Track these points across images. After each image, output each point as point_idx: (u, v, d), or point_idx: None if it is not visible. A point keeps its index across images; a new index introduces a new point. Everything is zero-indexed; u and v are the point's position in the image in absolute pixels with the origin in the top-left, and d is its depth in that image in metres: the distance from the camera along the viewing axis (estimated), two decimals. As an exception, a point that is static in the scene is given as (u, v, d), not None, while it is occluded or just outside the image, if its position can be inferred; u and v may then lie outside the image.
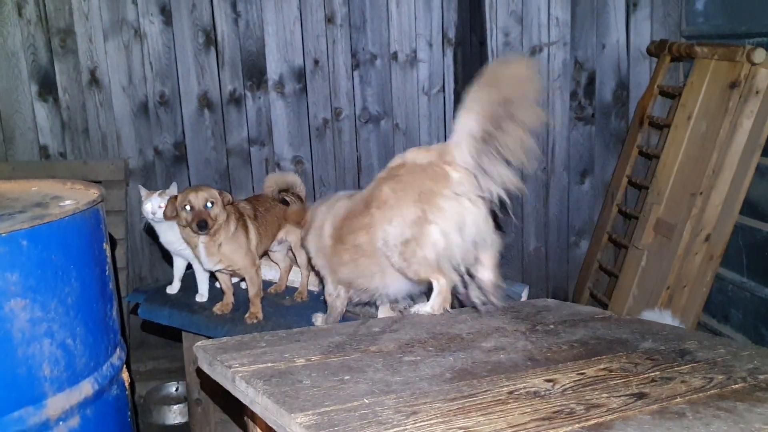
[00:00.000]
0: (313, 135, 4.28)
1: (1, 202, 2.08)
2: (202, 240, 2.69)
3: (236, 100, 4.16)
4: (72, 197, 2.07)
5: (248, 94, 4.17)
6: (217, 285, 3.01)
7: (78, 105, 4.02)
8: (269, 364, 1.67)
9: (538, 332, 1.95)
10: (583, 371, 1.62)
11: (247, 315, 2.81)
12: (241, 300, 2.95)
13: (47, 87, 3.98)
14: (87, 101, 4.03)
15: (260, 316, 2.82)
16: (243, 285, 3.11)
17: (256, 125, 4.21)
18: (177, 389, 4.09)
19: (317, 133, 4.28)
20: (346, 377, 1.57)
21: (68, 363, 1.91)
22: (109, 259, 2.06)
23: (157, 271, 4.25)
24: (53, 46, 3.94)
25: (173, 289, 3.08)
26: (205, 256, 2.75)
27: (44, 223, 1.77)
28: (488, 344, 1.82)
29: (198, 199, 2.63)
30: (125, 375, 2.22)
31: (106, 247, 2.06)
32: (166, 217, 2.68)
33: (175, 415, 3.87)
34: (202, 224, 2.59)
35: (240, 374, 1.61)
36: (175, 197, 2.69)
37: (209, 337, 2.89)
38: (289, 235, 3.03)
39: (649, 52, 4.37)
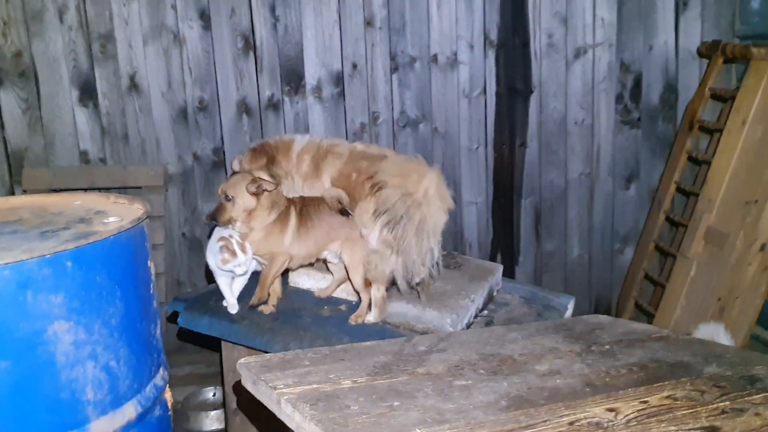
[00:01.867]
0: (350, 139, 4.22)
1: (44, 217, 2.05)
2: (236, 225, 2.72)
3: (274, 106, 4.12)
4: (116, 213, 2.05)
5: (286, 99, 4.13)
6: None
7: (117, 110, 4.02)
8: (315, 386, 1.61)
9: (594, 353, 1.86)
10: (645, 399, 1.53)
11: (252, 298, 2.81)
12: (280, 307, 2.90)
13: (87, 92, 3.98)
14: (126, 107, 4.02)
15: (264, 298, 2.80)
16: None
17: (294, 130, 4.16)
18: (214, 394, 4.06)
19: (354, 138, 4.22)
20: (396, 403, 1.50)
21: (111, 386, 1.87)
22: (153, 277, 2.03)
23: (195, 276, 4.24)
24: (93, 51, 3.94)
25: (233, 308, 2.93)
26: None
27: (89, 243, 1.74)
28: (542, 367, 1.74)
29: (222, 188, 2.70)
30: (168, 395, 2.19)
31: (151, 264, 2.04)
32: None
33: (212, 421, 3.84)
34: (211, 215, 2.69)
35: (285, 396, 1.55)
36: None
37: (248, 347, 2.86)
38: (344, 251, 2.86)
39: (700, 54, 4.22)
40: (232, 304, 2.92)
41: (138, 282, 1.94)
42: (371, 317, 2.83)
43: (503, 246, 4.44)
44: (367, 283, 2.80)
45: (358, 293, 2.89)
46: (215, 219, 2.69)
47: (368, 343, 1.92)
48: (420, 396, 1.55)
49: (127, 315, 1.88)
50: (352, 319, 2.83)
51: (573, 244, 4.50)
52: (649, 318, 4.14)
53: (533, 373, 1.70)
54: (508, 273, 4.41)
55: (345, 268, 2.90)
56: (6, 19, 3.83)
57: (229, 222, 2.70)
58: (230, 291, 2.91)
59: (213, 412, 3.81)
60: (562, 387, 1.61)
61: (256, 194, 2.67)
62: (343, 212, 2.86)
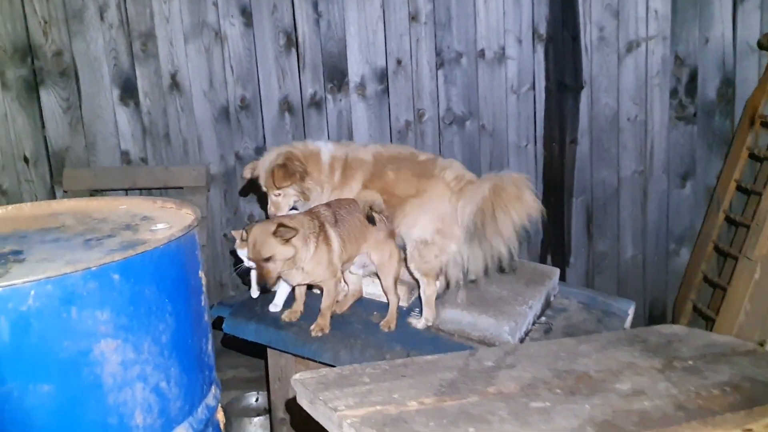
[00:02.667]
0: (394, 138, 4.11)
1: (88, 223, 1.95)
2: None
3: (317, 104, 4.02)
4: (164, 219, 1.94)
5: (329, 96, 4.02)
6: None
7: (159, 110, 3.96)
8: (378, 407, 1.50)
9: (677, 370, 1.72)
10: (748, 427, 1.39)
11: (312, 326, 2.67)
12: (310, 308, 2.80)
13: (129, 92, 3.93)
14: (168, 106, 3.96)
15: (327, 329, 2.67)
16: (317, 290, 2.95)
17: (337, 129, 4.06)
18: (257, 399, 3.98)
19: (399, 136, 4.10)
20: (470, 429, 1.39)
21: (162, 408, 1.73)
22: (204, 288, 1.90)
23: (237, 278, 4.16)
24: (134, 50, 3.88)
25: (276, 307, 2.90)
26: (289, 279, 2.65)
27: (137, 254, 1.60)
28: (624, 386, 1.60)
29: (256, 254, 2.45)
30: (220, 415, 2.05)
31: (202, 275, 1.91)
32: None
33: (255, 427, 3.75)
34: (262, 285, 2.49)
35: (348, 420, 1.44)
36: (245, 230, 2.55)
37: (296, 355, 2.76)
38: (373, 253, 2.77)
39: (760, 46, 4.01)
40: (276, 303, 2.87)
41: (189, 294, 1.81)
42: (422, 322, 2.77)
43: (553, 247, 4.29)
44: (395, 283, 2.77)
45: (386, 294, 2.81)
46: (267, 286, 2.51)
47: (429, 357, 1.80)
48: (495, 420, 1.43)
49: (178, 331, 1.74)
50: (384, 325, 2.74)
51: (626, 245, 4.32)
52: (709, 322, 3.96)
53: (614, 392, 1.57)
54: (560, 275, 4.25)
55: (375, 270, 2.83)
56: (47, 18, 3.79)
57: (276, 279, 2.54)
58: (283, 291, 2.87)
59: (256, 419, 3.73)
60: (651, 410, 1.48)
61: (288, 240, 2.46)
62: (370, 219, 2.75)
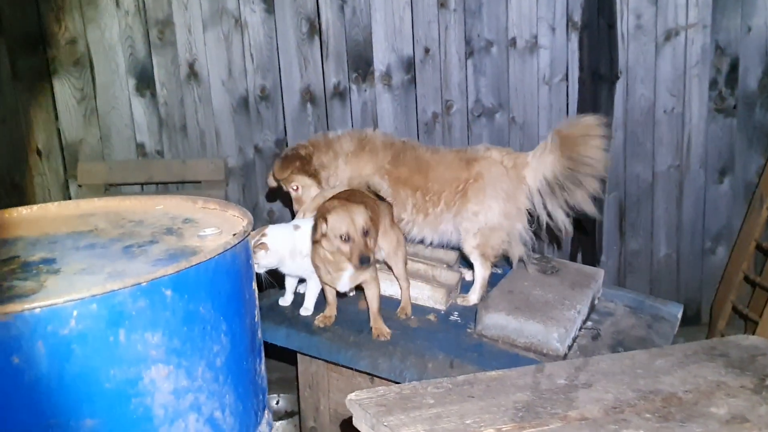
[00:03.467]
0: (421, 130, 3.94)
1: (123, 226, 1.76)
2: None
3: (340, 94, 3.85)
4: (209, 222, 1.74)
5: (353, 86, 3.85)
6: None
7: (176, 100, 3.79)
8: (450, 435, 1.34)
9: (772, 390, 1.55)
10: None
11: (373, 332, 2.51)
12: (363, 317, 2.63)
13: (145, 81, 3.76)
14: (185, 96, 3.79)
15: (386, 332, 2.50)
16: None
17: (361, 120, 3.89)
18: (278, 402, 3.82)
19: (426, 129, 3.93)
20: (560, 462, 1.23)
21: None
22: (257, 302, 1.69)
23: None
24: (151, 38, 3.70)
25: (286, 301, 2.80)
26: (347, 282, 2.45)
27: (192, 266, 1.39)
28: (720, 410, 1.44)
29: (357, 227, 2.27)
30: None
31: (256, 287, 1.70)
32: (314, 241, 2.37)
33: (277, 432, 3.60)
34: (364, 260, 2.26)
35: (421, 450, 1.28)
36: (323, 218, 2.31)
37: (329, 362, 2.60)
38: (382, 241, 2.59)
39: (807, 34, 3.84)
40: (307, 307, 2.72)
41: (244, 310, 1.60)
42: (473, 297, 2.79)
43: (584, 245, 4.12)
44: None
45: (398, 281, 2.70)
46: (368, 262, 2.30)
47: (493, 373, 1.64)
48: (586, 451, 1.27)
49: (234, 352, 1.53)
50: (400, 312, 2.68)
51: (660, 243, 4.16)
52: (749, 324, 3.80)
53: (712, 418, 1.41)
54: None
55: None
56: (60, 4, 3.61)
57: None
58: (313, 294, 2.73)
59: (278, 423, 3.57)
60: (759, 440, 1.32)
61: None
62: (379, 196, 2.65)
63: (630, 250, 4.16)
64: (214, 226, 1.64)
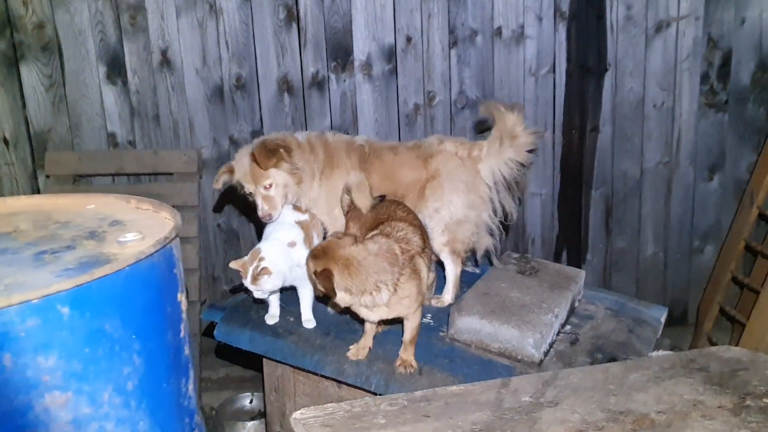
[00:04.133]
0: (402, 123, 3.81)
1: (46, 228, 1.60)
2: None
3: (319, 84, 3.71)
4: (137, 225, 1.58)
5: (332, 76, 3.71)
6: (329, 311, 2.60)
7: (148, 89, 3.65)
8: (398, 459, 1.22)
9: (753, 411, 1.44)
10: None
11: (397, 363, 2.28)
12: (333, 320, 2.51)
13: (116, 69, 3.62)
14: (158, 85, 3.65)
15: (414, 364, 2.27)
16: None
17: (340, 112, 3.76)
18: (251, 401, 3.73)
19: (407, 121, 3.81)
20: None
21: None
22: (184, 314, 1.51)
23: (233, 271, 3.85)
24: (122, 23, 3.56)
25: (274, 318, 2.58)
26: (368, 315, 2.21)
27: (95, 279, 1.23)
28: (694, 434, 1.33)
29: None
30: None
31: (182, 298, 1.52)
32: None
33: (249, 432, 3.49)
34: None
35: (362, 478, 1.17)
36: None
37: (295, 367, 2.48)
38: None
39: (801, 28, 3.72)
40: (272, 314, 2.59)
41: (164, 325, 1.44)
42: (447, 297, 2.70)
43: (569, 242, 4.01)
44: None
45: None
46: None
47: (455, 388, 1.52)
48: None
49: (150, 374, 1.36)
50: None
51: (647, 241, 4.04)
52: (737, 326, 3.70)
53: (685, 443, 1.30)
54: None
55: None
56: (27, -14, 3.47)
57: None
58: (276, 302, 2.60)
59: (250, 423, 3.47)
60: (735, 471, 1.20)
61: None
62: (382, 198, 2.54)
63: (616, 249, 4.04)
64: (138, 230, 1.48)
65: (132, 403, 1.36)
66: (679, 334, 4.09)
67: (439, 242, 2.66)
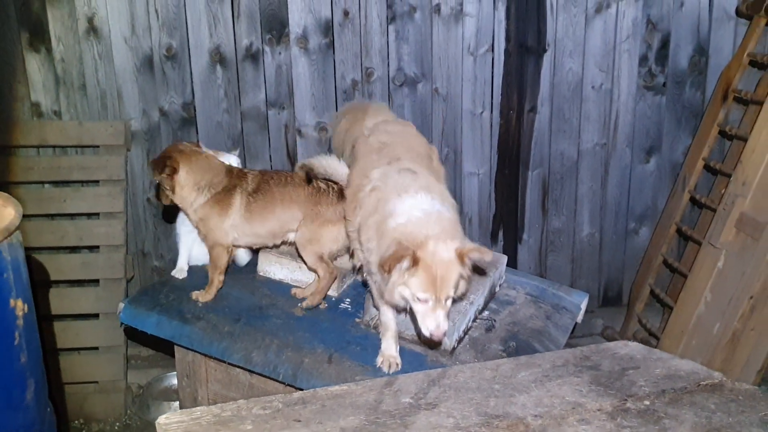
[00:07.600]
0: (339, 98, 3.73)
1: None
2: None
3: (253, 56, 3.61)
4: None
5: (267, 49, 3.61)
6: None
7: (74, 57, 3.50)
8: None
9: (631, 414, 1.43)
10: None
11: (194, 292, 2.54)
12: (245, 305, 2.47)
13: (39, 35, 3.46)
14: (84, 53, 3.51)
15: (202, 298, 2.51)
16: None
17: (275, 85, 3.66)
18: (181, 379, 3.67)
19: (344, 97, 3.73)
20: None
21: None
22: (20, 321, 1.35)
23: (162, 246, 3.78)
24: (45, -13, 3.40)
25: (182, 272, 2.72)
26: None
27: None
28: (567, 439, 1.32)
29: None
30: None
31: (15, 303, 1.37)
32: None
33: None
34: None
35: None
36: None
37: (204, 354, 2.43)
38: (300, 228, 2.47)
39: (739, 13, 3.72)
40: (180, 269, 2.72)
41: None
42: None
43: (506, 222, 4.00)
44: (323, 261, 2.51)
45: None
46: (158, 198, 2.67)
47: (335, 389, 1.49)
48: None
49: None
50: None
51: (583, 222, 4.06)
52: (666, 309, 3.75)
53: (556, 449, 1.28)
54: (511, 252, 3.99)
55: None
56: (-60, -55, 3.29)
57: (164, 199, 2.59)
58: (185, 255, 2.75)
59: (176, 404, 3.41)
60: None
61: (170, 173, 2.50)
62: (308, 180, 2.52)
63: (552, 229, 4.05)
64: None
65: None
66: (613, 314, 4.14)
67: None
